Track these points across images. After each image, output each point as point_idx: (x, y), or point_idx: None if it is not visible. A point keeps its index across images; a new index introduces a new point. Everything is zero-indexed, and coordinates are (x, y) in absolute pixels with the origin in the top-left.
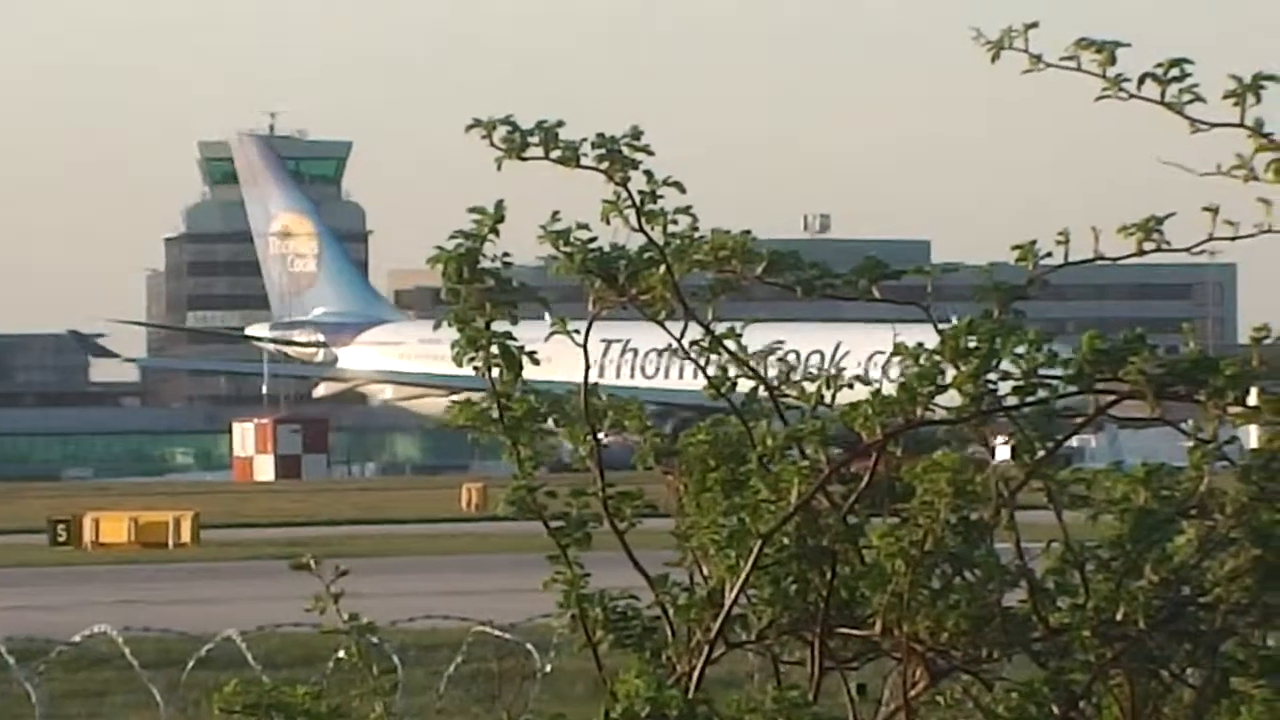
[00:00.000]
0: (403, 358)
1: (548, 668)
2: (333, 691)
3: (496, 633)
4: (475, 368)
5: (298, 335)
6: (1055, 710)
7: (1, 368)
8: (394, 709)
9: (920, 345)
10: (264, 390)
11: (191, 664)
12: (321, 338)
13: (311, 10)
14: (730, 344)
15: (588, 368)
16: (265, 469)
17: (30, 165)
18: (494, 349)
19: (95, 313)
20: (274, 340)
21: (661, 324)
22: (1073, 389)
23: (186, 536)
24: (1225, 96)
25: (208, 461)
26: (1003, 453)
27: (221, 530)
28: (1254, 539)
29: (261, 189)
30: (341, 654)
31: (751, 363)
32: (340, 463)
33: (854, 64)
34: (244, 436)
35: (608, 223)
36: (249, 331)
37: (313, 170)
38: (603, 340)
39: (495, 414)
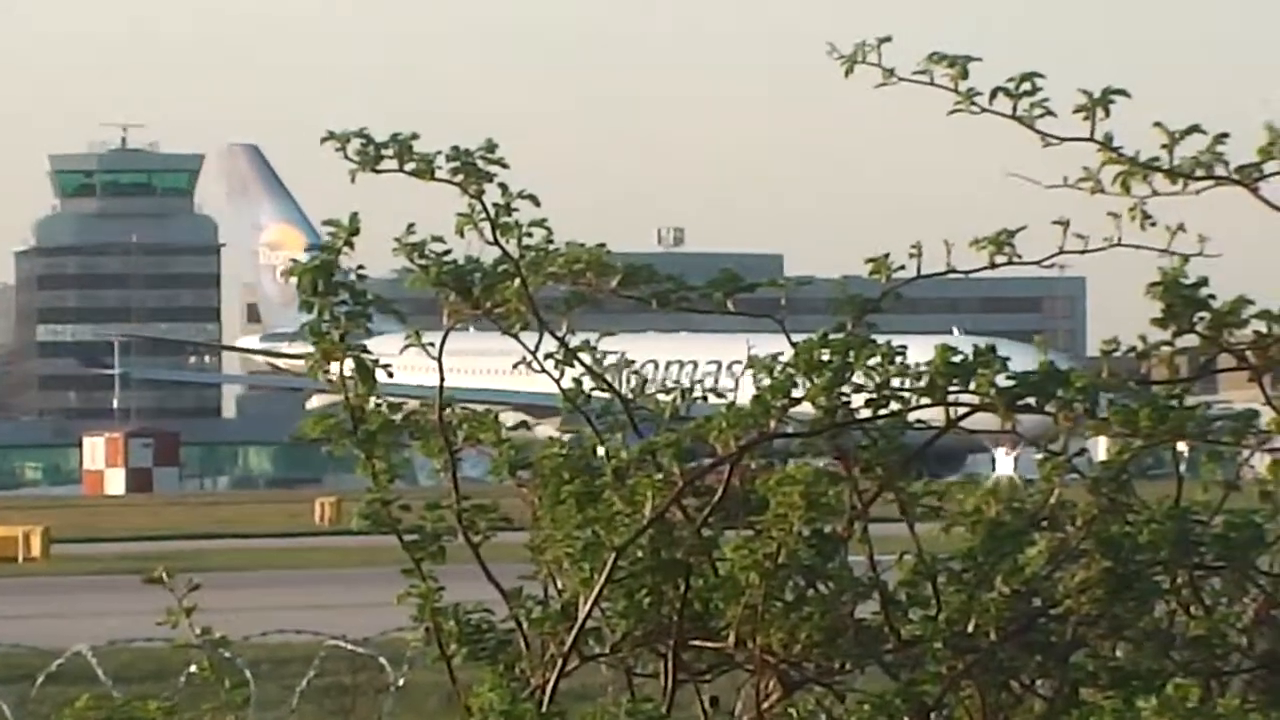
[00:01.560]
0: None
1: (401, 681)
2: (185, 706)
3: (350, 647)
4: (328, 380)
5: (287, 347)
6: None
7: None
8: None
9: (774, 357)
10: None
11: (41, 679)
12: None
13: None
14: (585, 356)
15: (442, 380)
16: (116, 483)
17: None
18: (349, 361)
19: None
20: (264, 352)
21: (515, 336)
22: (925, 401)
23: (36, 551)
24: (1075, 111)
25: (57, 475)
26: (1004, 465)
27: (72, 545)
28: (1104, 551)
29: (251, 199)
30: (194, 668)
31: (606, 376)
32: (192, 476)
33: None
34: (94, 450)
35: (462, 235)
36: (238, 343)
37: (165, 183)
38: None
39: (350, 427)
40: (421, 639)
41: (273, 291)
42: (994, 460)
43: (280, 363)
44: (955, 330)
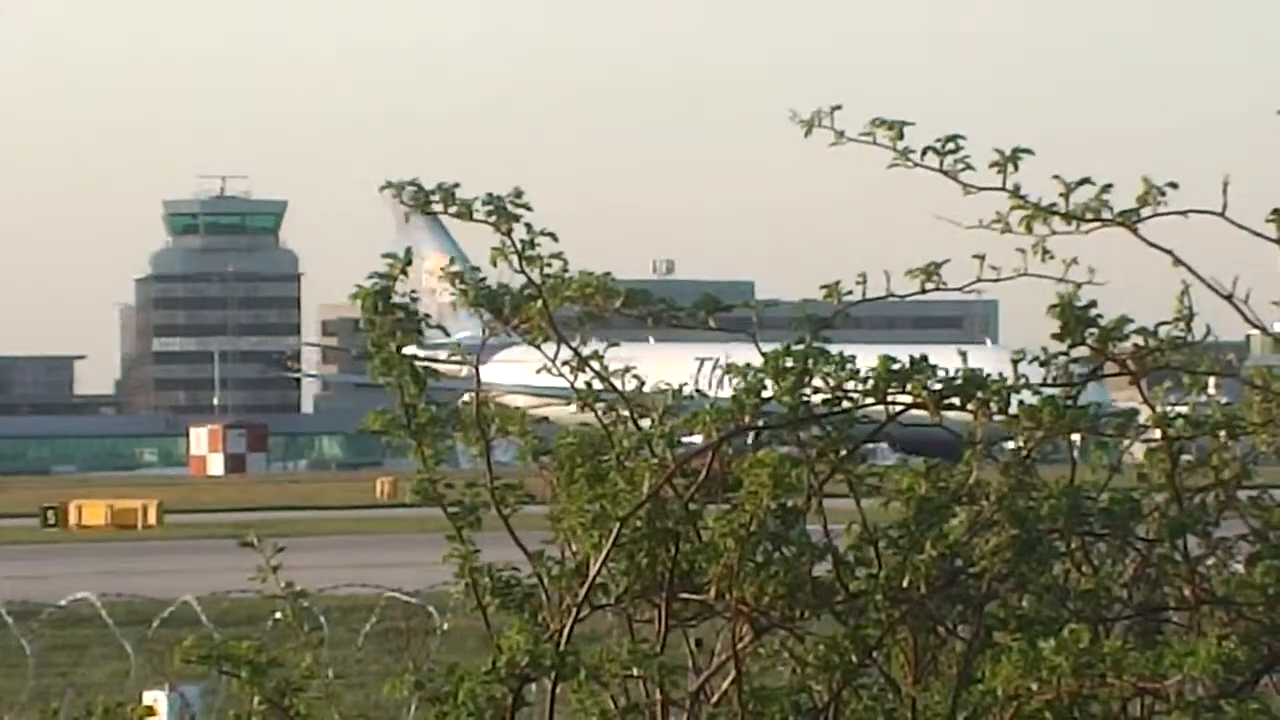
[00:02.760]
0: (534, 373)
1: (445, 626)
2: (271, 646)
3: (404, 598)
4: (387, 382)
5: (442, 355)
6: (853, 659)
7: (1, 383)
8: (320, 659)
9: (748, 365)
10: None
11: (156, 623)
12: (459, 358)
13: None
14: (595, 364)
15: (479, 381)
16: (216, 466)
17: (24, 218)
18: (405, 367)
19: (77, 338)
20: (425, 359)
21: (538, 346)
22: (870, 400)
23: (153, 520)
24: (990, 165)
25: (169, 460)
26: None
27: (181, 515)
28: (1012, 521)
29: (413, 235)
30: (278, 615)
31: (612, 379)
32: (277, 461)
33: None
34: (199, 439)
35: (495, 265)
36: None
37: (255, 224)
38: (696, 358)
39: (404, 420)
40: (462, 592)
41: (432, 309)
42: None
43: (437, 366)
44: (988, 341)
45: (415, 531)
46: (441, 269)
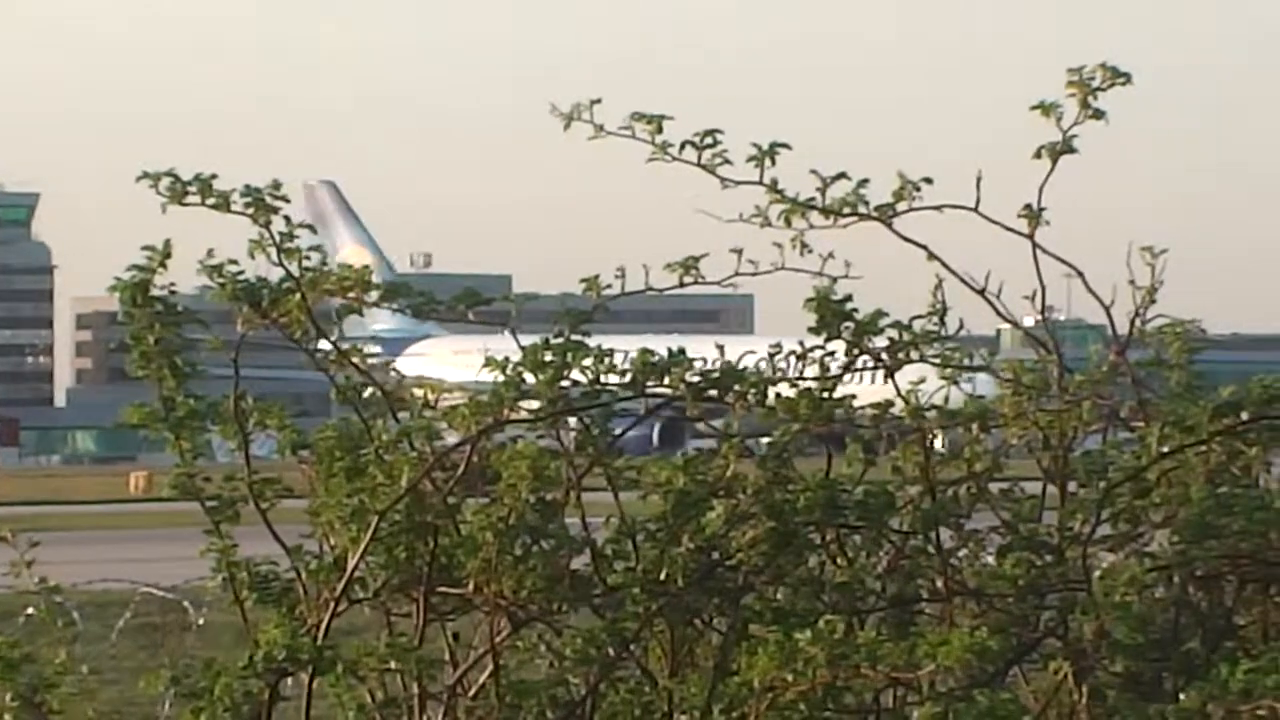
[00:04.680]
0: (440, 365)
1: (201, 621)
2: (24, 642)
3: (160, 593)
4: (145, 375)
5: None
6: (611, 652)
7: None
8: (74, 655)
9: (506, 358)
10: None
11: None
12: (379, 350)
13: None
14: (355, 359)
15: (237, 376)
16: None
17: None
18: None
19: None
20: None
21: (299, 344)
22: (629, 394)
23: None
24: (749, 160)
25: None
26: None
27: None
28: (769, 514)
29: (329, 229)
30: (31, 611)
31: (373, 374)
32: (30, 454)
33: (451, 132)
34: None
35: (253, 258)
36: (321, 345)
37: (6, 216)
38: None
39: (163, 414)
40: (219, 586)
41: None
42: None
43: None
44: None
45: (170, 526)
46: (200, 262)
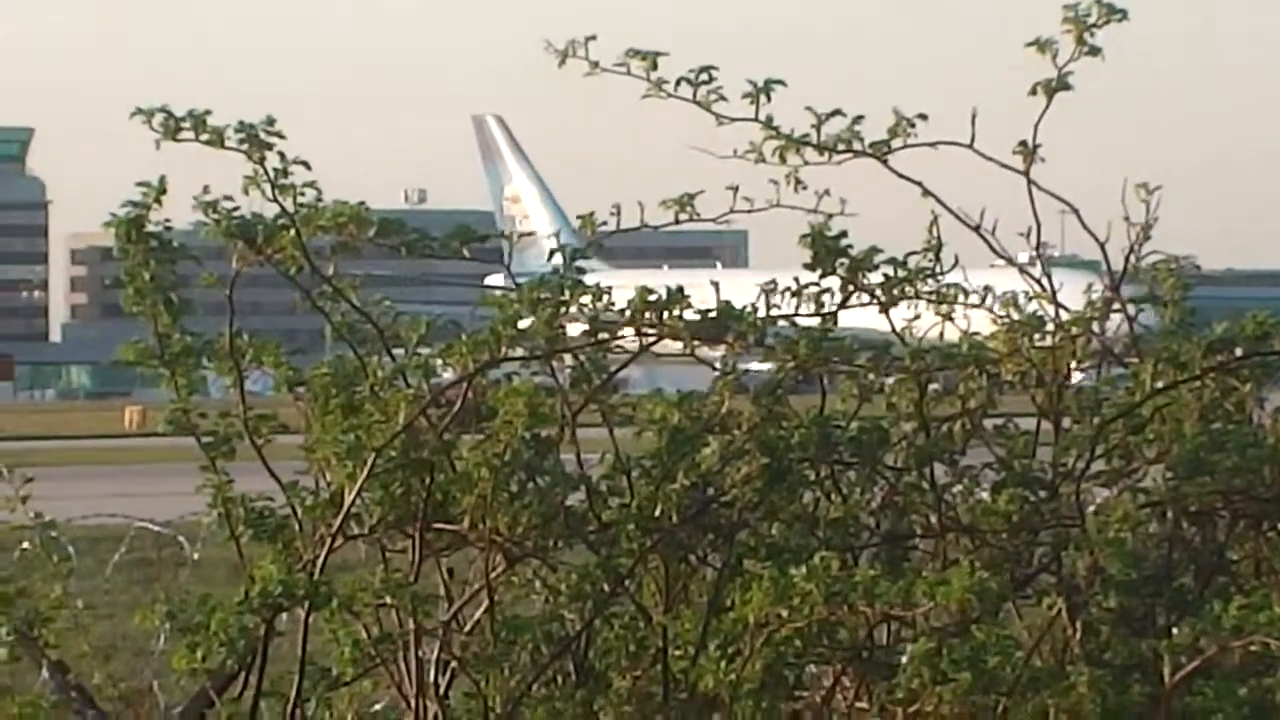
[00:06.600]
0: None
1: (196, 557)
2: (19, 576)
3: (154, 528)
4: (140, 311)
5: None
6: (605, 588)
7: None
8: (69, 590)
9: (505, 295)
10: None
11: None
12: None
13: None
14: (352, 296)
15: (232, 313)
16: None
17: None
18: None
19: None
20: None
21: (291, 279)
22: (628, 331)
23: None
24: (744, 96)
25: None
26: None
27: None
28: (763, 450)
29: (497, 163)
30: (25, 546)
31: (370, 312)
32: (24, 389)
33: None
34: None
35: (248, 194)
36: (488, 281)
37: None
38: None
39: (158, 351)
40: (215, 522)
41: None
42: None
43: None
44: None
45: (165, 462)
46: (195, 198)
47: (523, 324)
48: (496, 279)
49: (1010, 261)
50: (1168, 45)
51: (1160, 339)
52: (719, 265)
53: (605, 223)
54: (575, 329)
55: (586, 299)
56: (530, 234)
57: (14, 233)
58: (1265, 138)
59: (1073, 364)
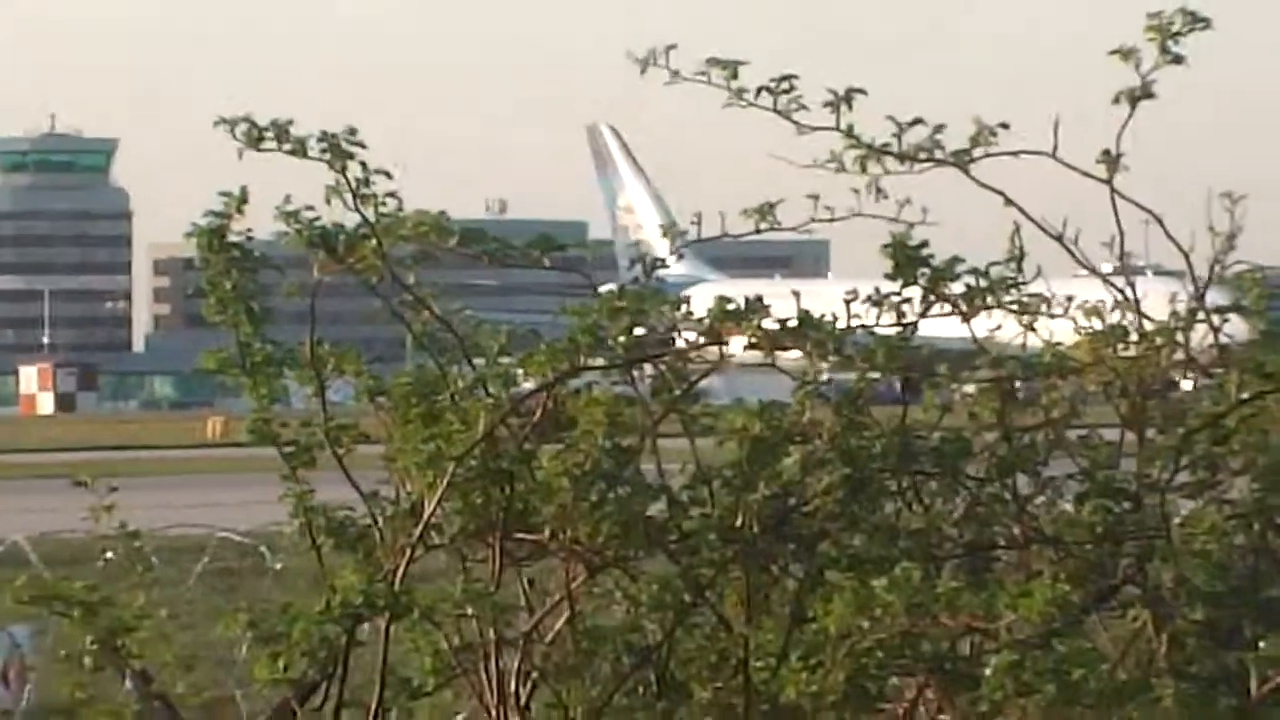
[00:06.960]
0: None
1: (278, 566)
2: (103, 586)
3: (237, 538)
4: (221, 320)
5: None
6: (686, 598)
7: None
8: (152, 599)
9: (584, 305)
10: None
11: None
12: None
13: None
14: (433, 305)
15: (314, 322)
16: (47, 404)
17: None
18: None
19: None
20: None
21: (371, 289)
22: (705, 340)
23: None
24: (825, 105)
25: None
26: None
27: (10, 455)
28: (844, 460)
29: (610, 173)
30: (109, 555)
31: (450, 321)
32: (108, 399)
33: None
34: (29, 378)
35: (329, 204)
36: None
37: (86, 162)
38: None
39: (239, 360)
40: (295, 532)
41: (620, 248)
42: None
43: None
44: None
45: (247, 471)
46: (276, 208)
47: (638, 331)
48: (608, 288)
49: (1093, 271)
50: (1253, 51)
51: (1245, 349)
52: (830, 275)
53: (685, 231)
54: (688, 337)
55: (666, 308)
56: (639, 243)
57: (98, 243)
58: None
59: (1176, 375)
